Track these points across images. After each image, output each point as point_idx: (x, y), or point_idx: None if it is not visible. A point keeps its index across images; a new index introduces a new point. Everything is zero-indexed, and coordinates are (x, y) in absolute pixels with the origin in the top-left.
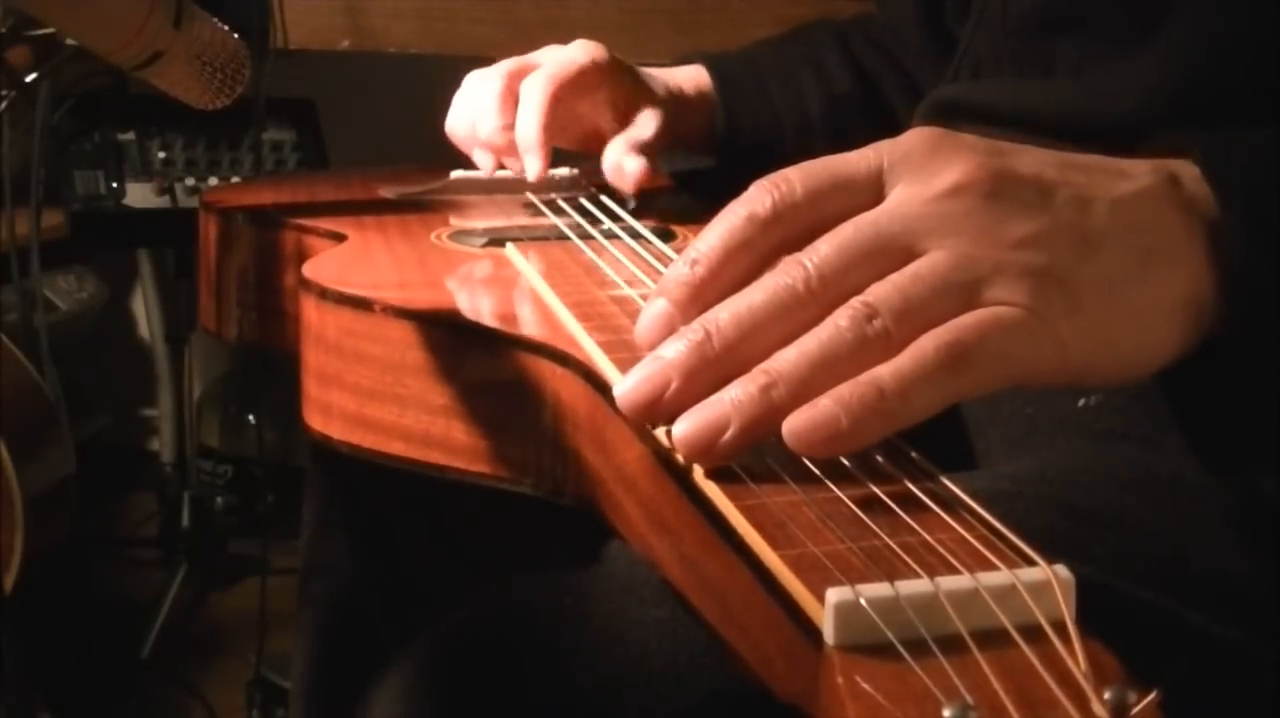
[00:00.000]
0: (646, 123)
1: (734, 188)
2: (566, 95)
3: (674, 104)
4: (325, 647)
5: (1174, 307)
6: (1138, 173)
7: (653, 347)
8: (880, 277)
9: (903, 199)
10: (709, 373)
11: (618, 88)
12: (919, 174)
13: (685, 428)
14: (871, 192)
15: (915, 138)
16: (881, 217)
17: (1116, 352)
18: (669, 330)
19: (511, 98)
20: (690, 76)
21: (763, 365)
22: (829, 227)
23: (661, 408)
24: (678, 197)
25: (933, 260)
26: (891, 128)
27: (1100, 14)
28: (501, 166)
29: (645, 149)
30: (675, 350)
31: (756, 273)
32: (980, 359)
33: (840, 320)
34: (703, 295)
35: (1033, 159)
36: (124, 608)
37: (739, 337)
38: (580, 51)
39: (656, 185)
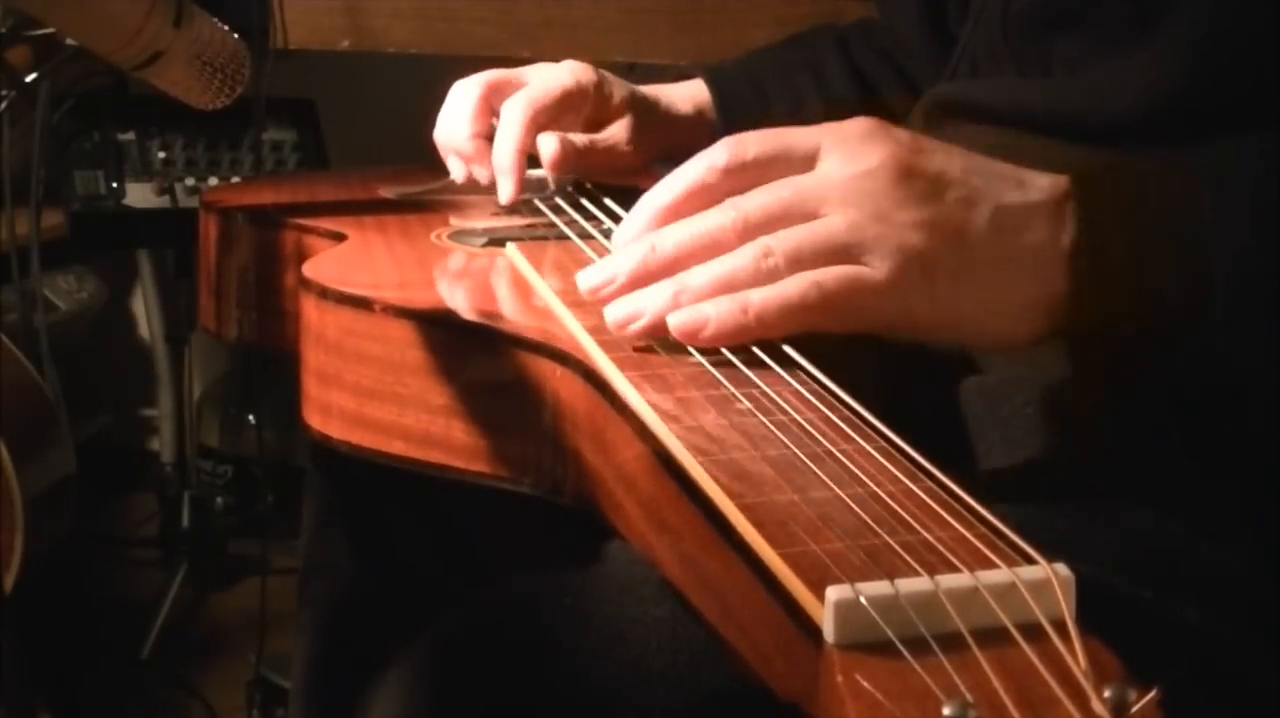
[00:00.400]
0: (606, 132)
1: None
2: (545, 119)
3: (667, 122)
4: (325, 647)
5: (1024, 304)
6: (1034, 185)
7: (624, 244)
8: (789, 227)
9: (826, 171)
10: (646, 279)
11: (600, 109)
12: (847, 154)
13: (613, 310)
14: (807, 161)
15: (855, 124)
16: (804, 181)
17: (960, 328)
18: (637, 237)
19: (486, 108)
20: (688, 94)
21: (678, 276)
22: (768, 181)
23: (606, 296)
24: None
25: (829, 221)
26: None
27: (1098, 13)
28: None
29: (578, 142)
30: (626, 256)
31: (706, 208)
32: (831, 302)
33: (744, 253)
34: (662, 219)
35: (944, 158)
36: (124, 608)
37: (675, 255)
38: (566, 73)
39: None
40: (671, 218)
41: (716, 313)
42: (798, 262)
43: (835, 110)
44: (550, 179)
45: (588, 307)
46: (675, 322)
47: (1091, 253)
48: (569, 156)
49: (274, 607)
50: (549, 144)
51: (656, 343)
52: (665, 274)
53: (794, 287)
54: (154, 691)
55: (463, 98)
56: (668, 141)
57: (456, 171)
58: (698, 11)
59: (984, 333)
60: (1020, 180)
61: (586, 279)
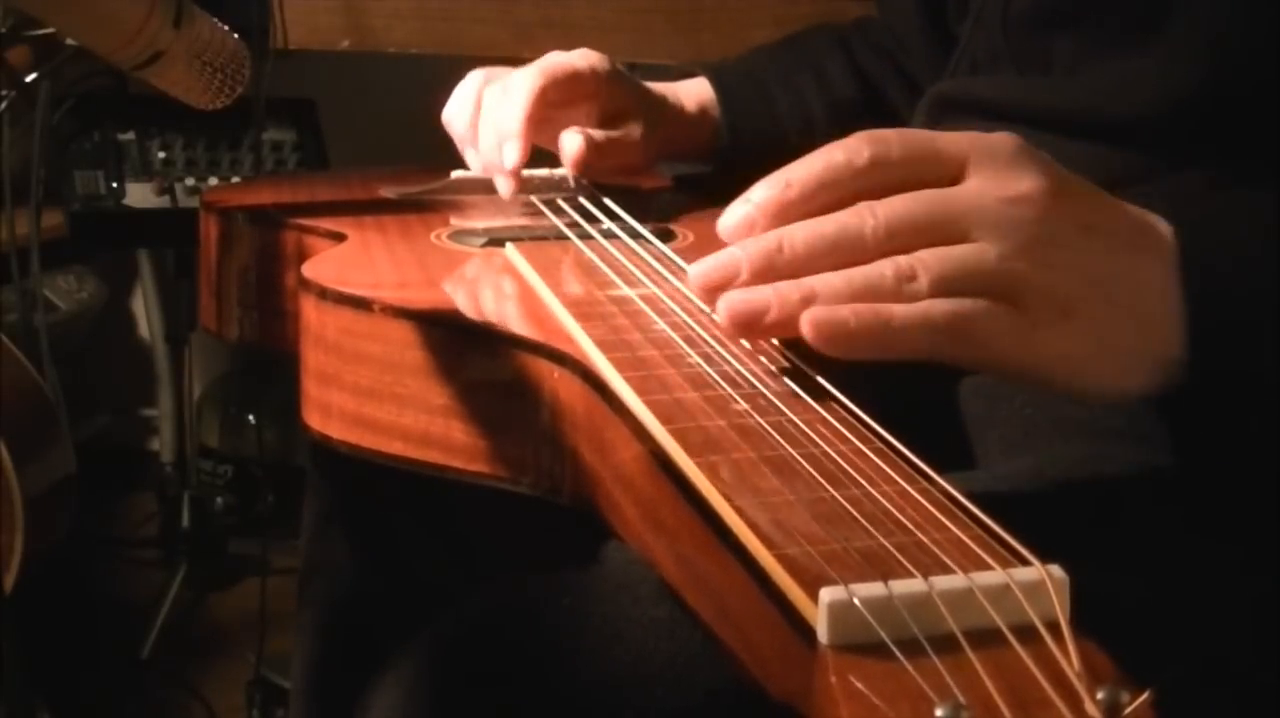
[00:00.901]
0: (622, 129)
1: (736, 188)
2: (556, 93)
3: (674, 121)
4: (325, 647)
5: (1143, 359)
6: (1158, 240)
7: (730, 241)
8: (930, 245)
9: (976, 189)
10: (771, 277)
11: (612, 99)
12: (998, 173)
13: (734, 298)
14: (952, 172)
15: (1003, 140)
16: (953, 197)
17: (1082, 376)
18: (748, 231)
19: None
20: (693, 92)
21: (809, 280)
22: (906, 189)
23: (724, 293)
24: (678, 197)
25: (980, 250)
26: None
27: (1096, 14)
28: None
29: (597, 137)
30: (752, 250)
31: (833, 209)
32: (969, 337)
33: (886, 269)
34: (785, 213)
35: (1089, 194)
36: (124, 608)
37: (806, 255)
38: (579, 57)
39: (656, 186)
40: (797, 212)
41: (857, 320)
42: (941, 289)
43: (838, 111)
44: (570, 178)
45: (587, 307)
46: (815, 318)
47: (1209, 315)
48: (592, 153)
49: (274, 607)
50: (572, 141)
51: (649, 338)
52: (791, 275)
53: (939, 311)
54: (154, 691)
55: (470, 84)
56: (672, 140)
57: (474, 163)
58: (697, 11)
59: (1103, 385)
60: (1144, 227)
61: (704, 274)
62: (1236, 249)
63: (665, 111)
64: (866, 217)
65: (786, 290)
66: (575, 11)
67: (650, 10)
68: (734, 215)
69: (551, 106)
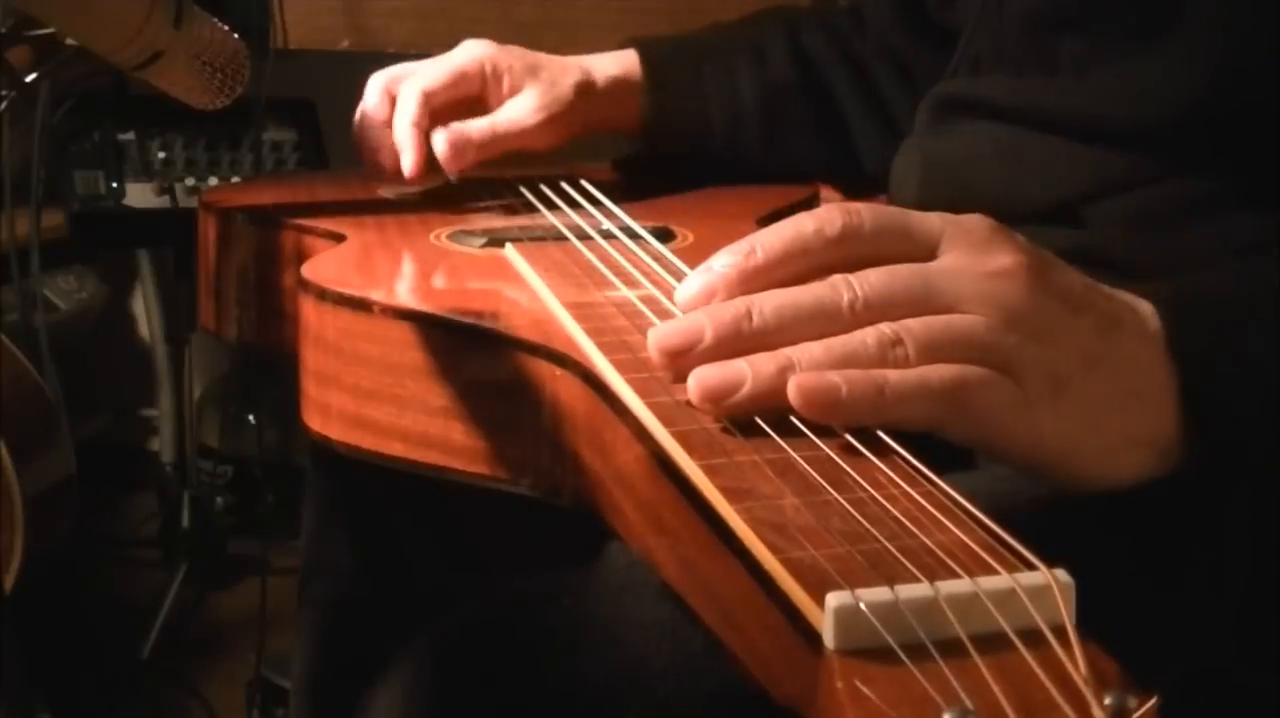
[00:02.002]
0: (505, 111)
1: (669, 171)
2: (441, 98)
3: (588, 92)
4: (325, 647)
5: (1140, 439)
6: (1143, 318)
7: (685, 310)
8: (912, 317)
9: (954, 264)
10: (739, 346)
11: (503, 85)
12: (974, 249)
13: (705, 373)
14: (926, 248)
15: (977, 221)
16: (935, 271)
17: (1076, 457)
18: (707, 300)
19: (388, 97)
20: (615, 63)
21: (787, 350)
22: (878, 264)
23: (686, 360)
24: (678, 196)
25: (968, 320)
26: (832, 119)
27: (1104, 16)
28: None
29: (470, 133)
30: (717, 315)
31: (798, 282)
32: (969, 406)
33: (868, 338)
34: (749, 282)
35: (1068, 274)
36: (124, 608)
37: (777, 326)
38: (458, 52)
39: (588, 172)
40: (762, 281)
41: (848, 385)
42: (928, 356)
43: (769, 92)
44: (452, 178)
45: (586, 308)
46: (802, 385)
47: (1197, 387)
48: (461, 148)
49: (274, 607)
50: (438, 141)
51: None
52: (760, 345)
53: (937, 376)
54: (154, 691)
55: (370, 91)
56: (587, 114)
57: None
58: (697, 12)
59: (1101, 463)
60: (1130, 307)
61: (663, 337)
62: (1219, 320)
63: (576, 84)
64: (843, 288)
65: (760, 361)
66: (575, 11)
67: (650, 10)
68: (694, 284)
69: (441, 110)
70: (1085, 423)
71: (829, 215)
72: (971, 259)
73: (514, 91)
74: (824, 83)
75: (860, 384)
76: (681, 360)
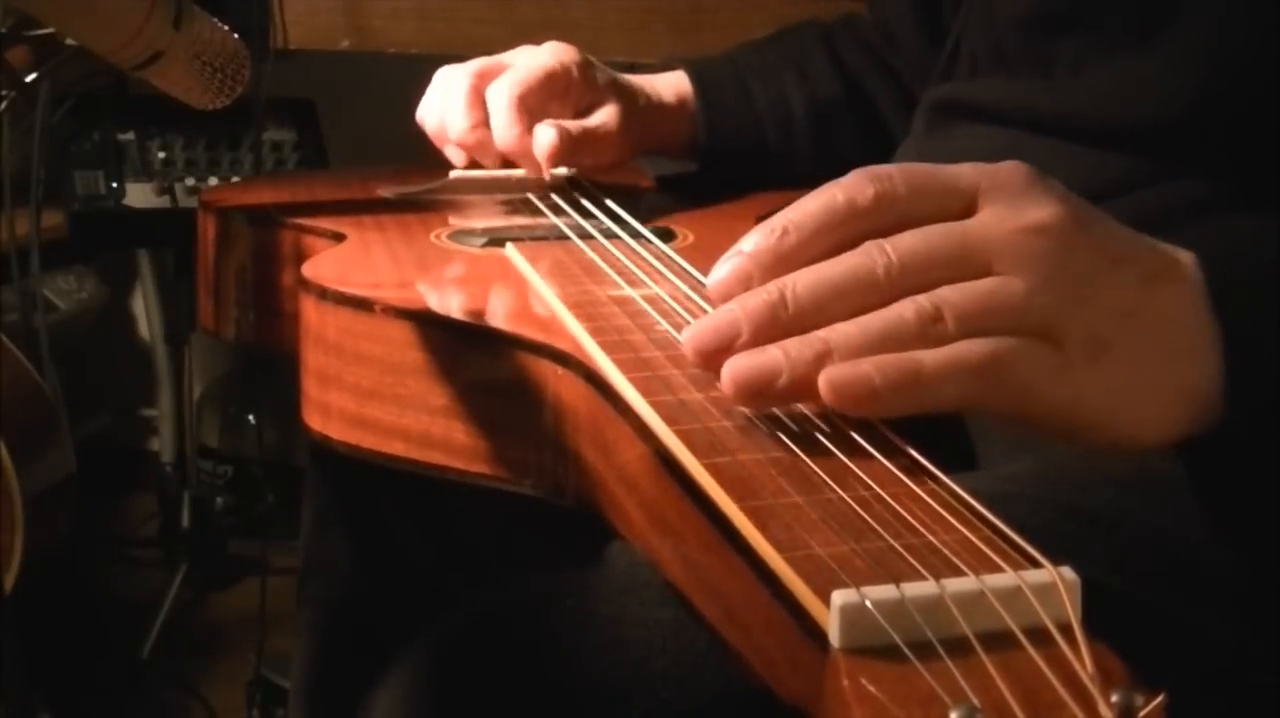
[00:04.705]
0: (596, 118)
1: (719, 190)
2: (533, 101)
3: (650, 111)
4: (325, 647)
5: (1180, 395)
6: (1185, 270)
7: (723, 299)
8: (950, 281)
9: (992, 220)
10: (776, 333)
11: (585, 93)
12: (1011, 203)
13: (740, 364)
14: (963, 204)
15: (1013, 170)
16: (970, 229)
17: (1117, 417)
18: (744, 287)
19: (478, 98)
20: (671, 83)
21: (822, 333)
22: (914, 226)
23: (725, 357)
24: (678, 196)
25: (1005, 284)
26: (878, 130)
27: (1100, 17)
28: (472, 164)
29: (572, 130)
30: (751, 306)
31: (837, 253)
32: (1008, 379)
33: (906, 313)
34: (785, 263)
35: (1105, 223)
36: (124, 608)
37: (813, 306)
38: (549, 55)
39: (638, 185)
40: (796, 261)
41: (883, 376)
42: (968, 328)
43: (819, 109)
44: (546, 176)
45: (588, 307)
46: (834, 379)
47: (1239, 337)
48: (566, 145)
49: (274, 607)
50: (545, 135)
51: (652, 338)
52: (797, 330)
53: (975, 353)
54: (154, 691)
55: (454, 87)
56: (650, 133)
57: (456, 160)
58: (697, 12)
59: (1142, 423)
60: (1171, 258)
61: (698, 338)
62: (1258, 273)
63: (639, 103)
64: (876, 255)
65: (797, 349)
66: (575, 11)
67: (650, 10)
68: (725, 269)
69: (530, 113)
70: (1126, 382)
71: (858, 184)
72: (1009, 213)
73: (595, 101)
74: (868, 97)
75: (895, 373)
76: (720, 359)
